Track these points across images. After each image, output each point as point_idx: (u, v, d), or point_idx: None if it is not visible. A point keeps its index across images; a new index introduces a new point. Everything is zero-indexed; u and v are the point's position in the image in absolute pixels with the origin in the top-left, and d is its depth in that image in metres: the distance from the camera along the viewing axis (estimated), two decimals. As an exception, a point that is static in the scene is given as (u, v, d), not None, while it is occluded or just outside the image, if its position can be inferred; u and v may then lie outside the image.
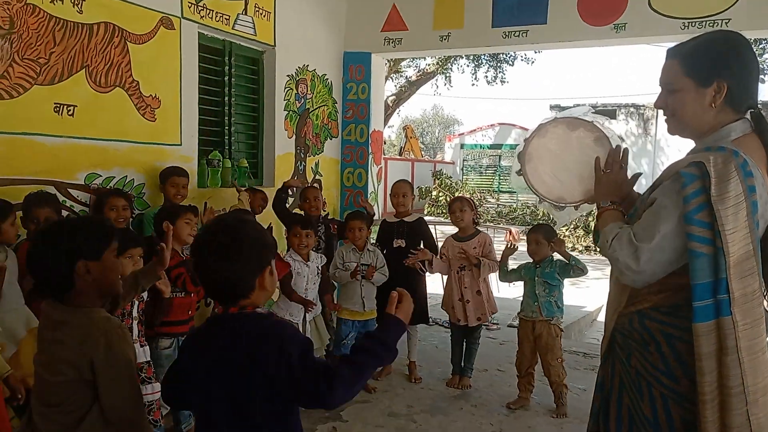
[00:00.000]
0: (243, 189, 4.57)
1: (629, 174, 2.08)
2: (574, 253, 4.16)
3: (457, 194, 19.40)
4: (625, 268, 1.69)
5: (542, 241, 4.11)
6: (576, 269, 3.99)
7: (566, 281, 4.22)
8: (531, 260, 4.24)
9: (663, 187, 1.72)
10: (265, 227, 3.99)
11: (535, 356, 4.25)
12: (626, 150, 2.08)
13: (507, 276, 4.35)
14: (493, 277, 4.66)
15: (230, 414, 1.59)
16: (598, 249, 1.88)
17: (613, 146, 2.14)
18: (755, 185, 1.60)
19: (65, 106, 3.59)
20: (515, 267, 4.34)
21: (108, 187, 3.82)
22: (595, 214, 1.99)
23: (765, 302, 1.66)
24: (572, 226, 14.27)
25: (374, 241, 4.83)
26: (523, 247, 4.39)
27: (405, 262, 4.50)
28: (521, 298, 4.29)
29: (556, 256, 4.14)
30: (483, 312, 4.54)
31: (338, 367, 1.56)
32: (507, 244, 4.36)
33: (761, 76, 12.27)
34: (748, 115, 1.78)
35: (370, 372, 1.64)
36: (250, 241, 1.63)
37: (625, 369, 1.80)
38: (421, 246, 4.63)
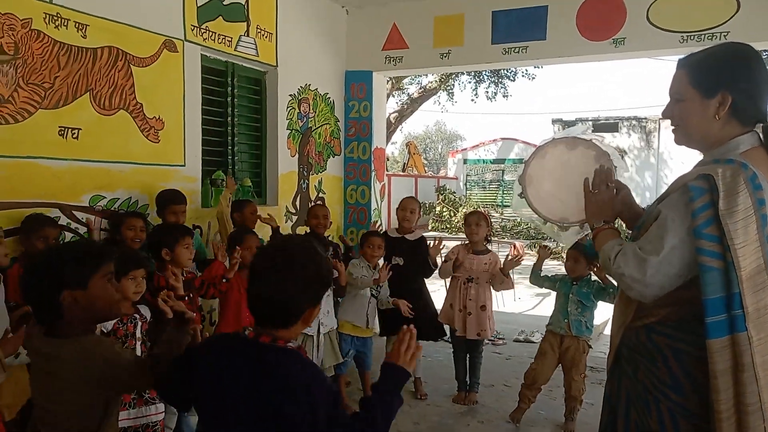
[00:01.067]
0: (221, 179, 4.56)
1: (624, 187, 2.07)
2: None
3: (461, 210, 19.43)
4: (632, 281, 1.67)
5: (581, 259, 4.03)
6: (611, 297, 3.91)
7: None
8: (567, 274, 4.18)
9: (670, 199, 1.71)
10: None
11: (553, 370, 4.19)
12: (612, 169, 2.07)
13: (539, 280, 4.29)
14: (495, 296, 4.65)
15: None
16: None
17: (614, 162, 2.15)
18: (765, 198, 1.58)
19: (70, 130, 3.63)
20: (551, 276, 4.29)
21: (112, 209, 3.84)
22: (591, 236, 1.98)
23: None
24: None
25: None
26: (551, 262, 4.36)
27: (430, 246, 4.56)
28: (532, 312, 4.25)
29: (593, 276, 4.09)
30: (484, 328, 4.51)
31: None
32: (546, 247, 4.37)
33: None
34: (757, 128, 1.77)
35: (387, 426, 1.63)
36: (318, 271, 1.59)
37: (632, 383, 1.79)
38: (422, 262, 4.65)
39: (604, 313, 4.00)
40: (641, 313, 1.77)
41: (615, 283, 3.95)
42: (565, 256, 4.19)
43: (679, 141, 1.88)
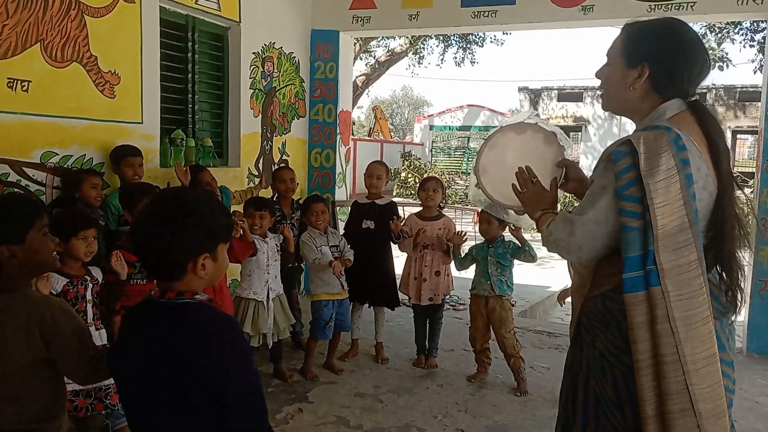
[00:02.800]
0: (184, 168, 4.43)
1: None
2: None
3: (426, 176, 19.42)
4: (565, 244, 1.74)
5: (493, 221, 4.18)
6: (528, 255, 4.11)
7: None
8: (482, 240, 4.31)
9: (597, 168, 1.77)
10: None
11: (489, 331, 4.33)
12: (530, 168, 2.13)
13: (462, 264, 4.43)
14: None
15: (159, 407, 1.51)
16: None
17: (560, 143, 2.21)
18: (689, 158, 1.63)
19: (19, 82, 3.46)
20: (467, 252, 4.40)
21: (65, 166, 3.70)
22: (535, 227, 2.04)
23: (711, 274, 1.68)
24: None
25: (342, 221, 4.81)
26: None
27: (392, 225, 4.51)
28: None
29: (507, 236, 4.21)
30: (436, 293, 4.56)
31: None
32: (459, 232, 4.43)
33: (720, 64, 12.46)
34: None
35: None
36: (195, 218, 1.50)
37: (590, 352, 1.82)
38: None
39: (564, 279, 4.06)
40: (596, 282, 1.80)
41: (531, 245, 4.10)
42: (479, 219, 4.32)
43: (603, 105, 1.95)
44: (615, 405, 1.72)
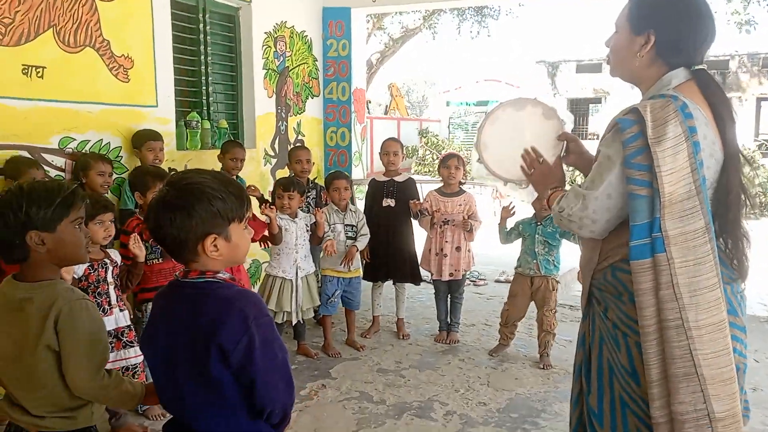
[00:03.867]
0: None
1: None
2: None
3: (444, 152, 19.33)
4: (577, 219, 1.74)
5: None
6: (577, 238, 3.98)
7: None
8: (530, 216, 4.23)
9: (604, 138, 1.77)
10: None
11: (526, 310, 4.30)
12: (537, 150, 2.14)
13: (508, 238, 4.34)
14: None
15: (189, 378, 1.54)
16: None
17: (561, 118, 2.22)
18: (696, 126, 1.63)
19: (34, 68, 3.47)
20: (513, 226, 4.33)
21: (83, 151, 3.73)
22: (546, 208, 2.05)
23: (721, 241, 1.69)
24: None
25: (360, 200, 4.81)
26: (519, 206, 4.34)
27: (411, 205, 4.52)
28: (512, 254, 4.29)
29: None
30: (456, 268, 4.55)
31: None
32: (508, 205, 4.32)
33: (747, 28, 12.12)
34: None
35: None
36: (200, 201, 1.50)
37: (603, 322, 1.83)
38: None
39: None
40: (606, 254, 1.81)
41: None
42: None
43: (611, 72, 1.95)
44: (629, 373, 1.73)
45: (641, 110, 1.65)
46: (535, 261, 4.15)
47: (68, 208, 1.74)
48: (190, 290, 1.55)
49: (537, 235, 4.14)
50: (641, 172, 1.63)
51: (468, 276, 5.25)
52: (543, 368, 4.13)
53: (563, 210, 1.79)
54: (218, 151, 4.49)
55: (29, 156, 3.40)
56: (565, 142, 2.17)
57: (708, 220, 1.61)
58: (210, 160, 4.57)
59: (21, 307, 1.72)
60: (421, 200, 4.67)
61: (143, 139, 3.91)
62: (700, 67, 1.77)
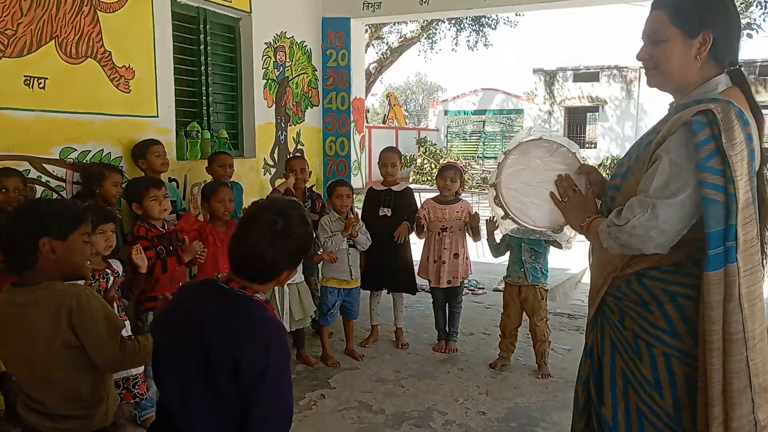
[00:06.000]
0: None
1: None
2: None
3: (441, 161, 19.38)
4: (644, 231, 1.61)
5: None
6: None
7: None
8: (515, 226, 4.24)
9: (669, 142, 1.66)
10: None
11: (520, 319, 4.31)
12: (569, 175, 2.07)
13: (498, 250, 4.34)
14: (472, 242, 4.68)
15: (199, 378, 1.56)
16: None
17: (571, 151, 2.16)
18: (752, 133, 1.60)
19: (36, 79, 3.49)
20: (501, 237, 4.33)
21: (84, 161, 3.75)
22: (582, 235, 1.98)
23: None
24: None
25: (359, 209, 4.82)
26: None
27: (395, 237, 4.53)
28: (507, 263, 4.30)
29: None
30: (455, 275, 4.56)
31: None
32: (491, 218, 4.34)
33: (749, 32, 12.22)
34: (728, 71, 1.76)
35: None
36: (307, 240, 1.66)
37: (617, 331, 1.78)
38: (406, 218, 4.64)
39: (583, 261, 4.04)
40: (631, 261, 1.74)
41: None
42: None
43: (654, 83, 1.85)
44: (652, 386, 1.69)
45: (715, 111, 1.58)
46: (522, 269, 4.16)
47: (80, 221, 1.86)
48: (224, 296, 1.61)
49: (523, 243, 4.15)
50: (716, 177, 1.55)
51: (466, 285, 5.26)
52: (542, 377, 4.14)
53: (626, 222, 1.63)
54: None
55: (10, 168, 3.23)
56: (587, 174, 2.08)
57: (759, 227, 1.59)
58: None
59: (24, 312, 1.78)
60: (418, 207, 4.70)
61: (146, 148, 3.94)
62: (736, 67, 1.75)
